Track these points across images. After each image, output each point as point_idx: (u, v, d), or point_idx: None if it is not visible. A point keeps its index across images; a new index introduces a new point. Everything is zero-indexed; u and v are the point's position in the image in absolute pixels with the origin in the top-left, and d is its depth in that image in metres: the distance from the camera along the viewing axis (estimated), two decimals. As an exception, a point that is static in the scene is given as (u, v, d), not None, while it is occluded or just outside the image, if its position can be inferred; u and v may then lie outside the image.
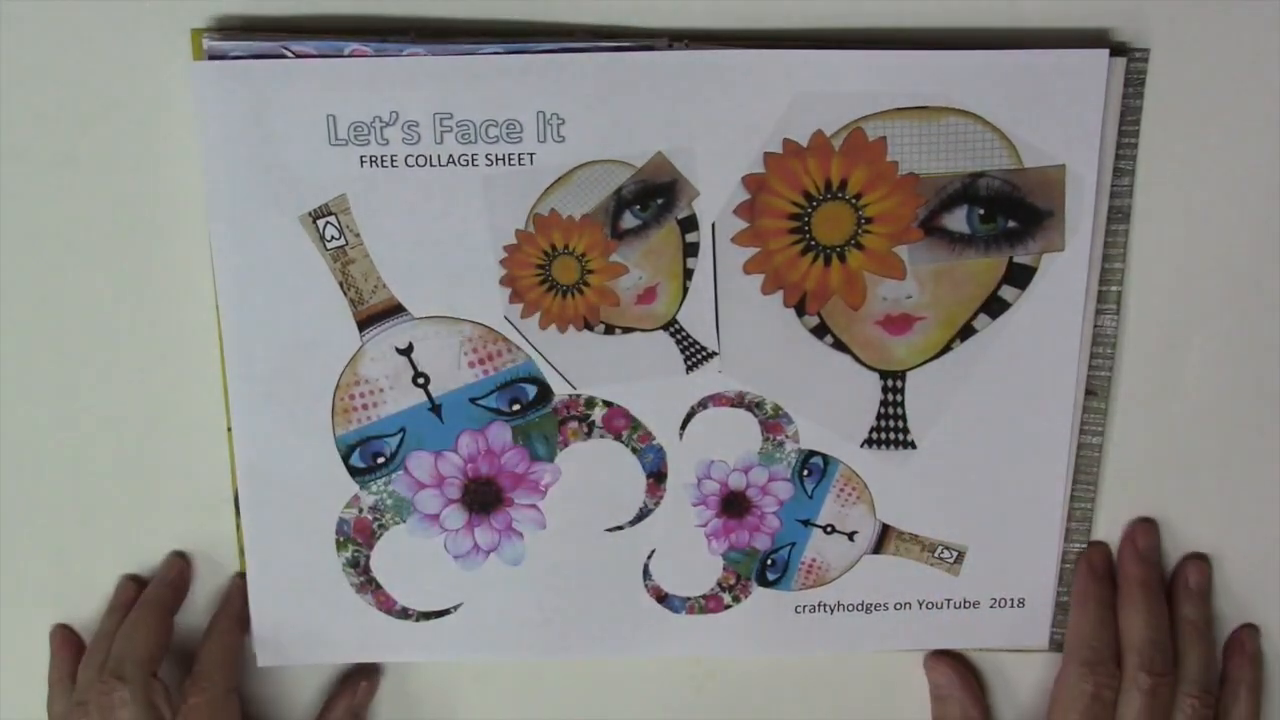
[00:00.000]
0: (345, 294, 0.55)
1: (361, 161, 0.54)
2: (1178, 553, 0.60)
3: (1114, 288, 0.57)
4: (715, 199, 0.55)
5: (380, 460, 0.58)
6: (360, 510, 0.58)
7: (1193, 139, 0.55)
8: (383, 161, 0.54)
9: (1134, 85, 0.54)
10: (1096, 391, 0.58)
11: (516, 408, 0.57)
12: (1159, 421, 0.59)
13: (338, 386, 0.56)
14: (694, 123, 0.54)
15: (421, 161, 0.54)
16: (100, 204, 0.56)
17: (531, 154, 0.54)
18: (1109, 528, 0.60)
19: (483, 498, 0.58)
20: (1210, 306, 0.57)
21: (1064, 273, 0.55)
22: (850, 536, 0.59)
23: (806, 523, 0.59)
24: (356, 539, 0.59)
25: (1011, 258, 0.55)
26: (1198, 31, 0.54)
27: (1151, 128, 0.55)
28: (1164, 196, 0.56)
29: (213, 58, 0.52)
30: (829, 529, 0.59)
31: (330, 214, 0.54)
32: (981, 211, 0.55)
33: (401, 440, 0.57)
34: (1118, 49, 0.54)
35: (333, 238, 0.55)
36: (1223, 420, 0.59)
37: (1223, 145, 0.55)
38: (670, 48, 0.53)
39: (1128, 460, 0.59)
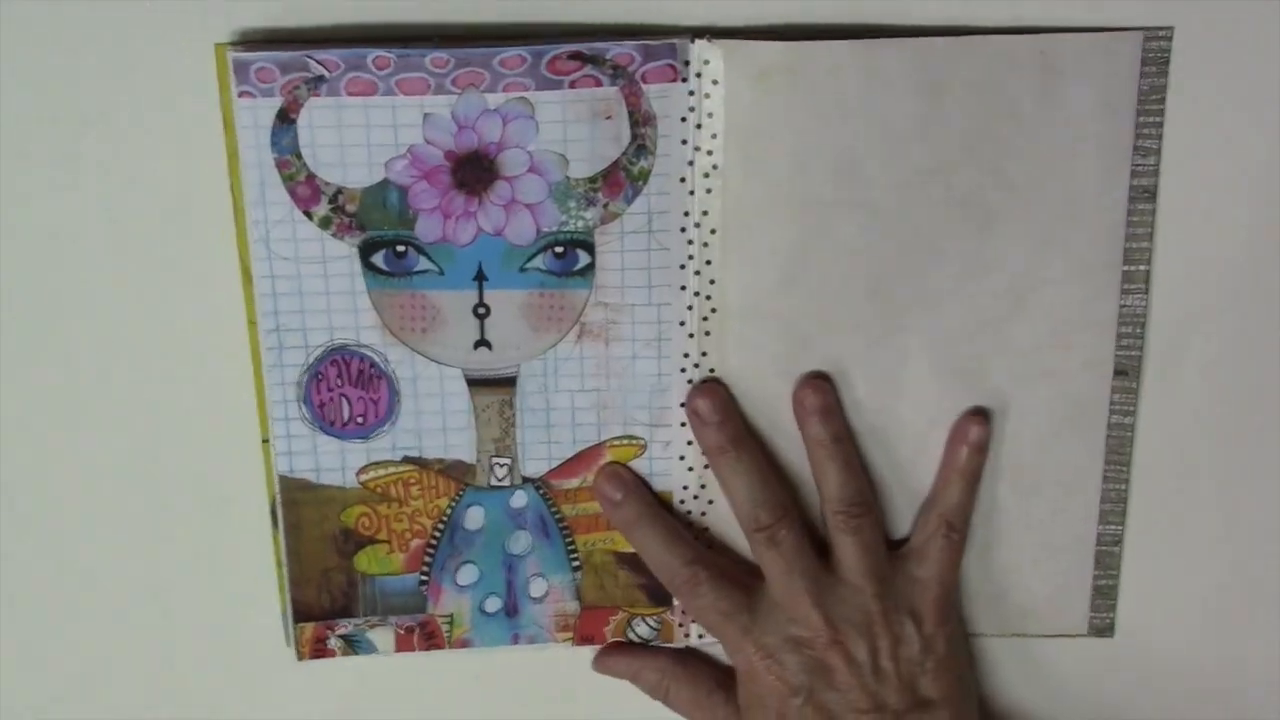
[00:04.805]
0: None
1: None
2: (1220, 532, 0.61)
3: (1141, 267, 0.57)
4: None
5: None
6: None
7: (1218, 116, 0.56)
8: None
9: (1158, 64, 0.54)
10: (1127, 371, 0.58)
11: None
12: (1188, 399, 0.59)
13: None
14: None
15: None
16: (129, 218, 0.56)
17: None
18: (1144, 509, 0.60)
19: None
20: (1236, 284, 0.58)
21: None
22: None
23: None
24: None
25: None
26: (1222, 10, 0.54)
27: (1176, 106, 0.55)
28: (1189, 175, 0.56)
29: (237, 69, 0.52)
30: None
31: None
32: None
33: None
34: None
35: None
36: (1252, 397, 0.59)
37: (1248, 122, 0.56)
38: (693, 43, 0.53)
39: (1158, 439, 0.59)
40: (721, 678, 0.60)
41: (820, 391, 0.57)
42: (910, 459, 0.58)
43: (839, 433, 0.57)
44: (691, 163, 0.55)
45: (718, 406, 0.57)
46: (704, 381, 0.57)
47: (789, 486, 0.58)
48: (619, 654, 0.61)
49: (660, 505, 0.59)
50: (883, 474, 0.59)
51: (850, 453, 0.57)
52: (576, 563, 0.60)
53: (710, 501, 0.59)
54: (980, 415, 0.58)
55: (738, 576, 0.58)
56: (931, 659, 0.57)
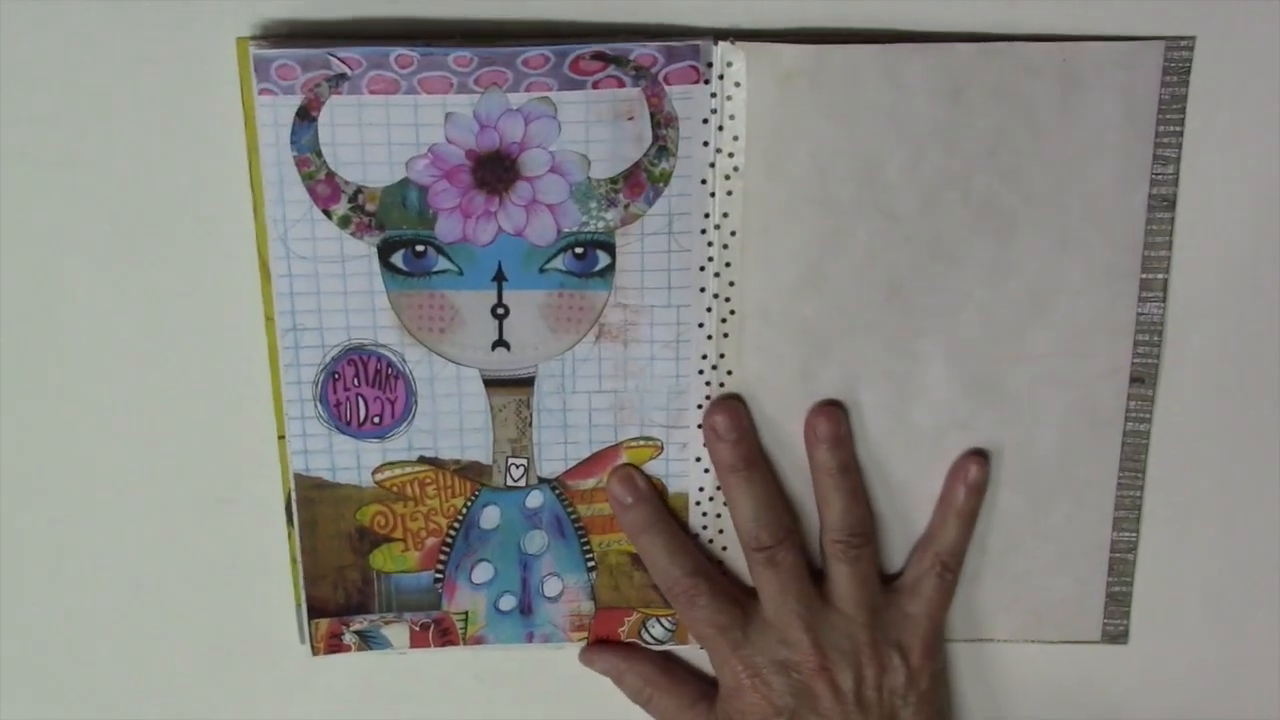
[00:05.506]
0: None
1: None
2: (1233, 539, 0.61)
3: (1159, 275, 0.57)
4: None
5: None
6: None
7: (1239, 126, 0.56)
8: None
9: (1179, 74, 0.54)
10: (1144, 379, 0.58)
11: None
12: (1205, 407, 0.59)
13: (389, 392, 0.57)
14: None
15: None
16: (148, 213, 0.56)
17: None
18: (1157, 516, 0.60)
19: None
20: (1254, 293, 0.58)
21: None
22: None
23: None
24: (409, 543, 0.59)
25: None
26: (1244, 20, 0.54)
27: (1196, 116, 0.55)
28: (1208, 184, 0.56)
29: (258, 66, 0.52)
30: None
31: (379, 219, 0.55)
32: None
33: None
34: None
35: (383, 242, 0.55)
36: (1268, 406, 0.59)
37: (1269, 132, 0.56)
38: (716, 45, 0.53)
39: (1173, 446, 0.59)
40: (704, 689, 0.61)
41: (832, 420, 0.57)
42: (917, 482, 0.59)
43: (846, 462, 0.57)
44: (713, 165, 0.55)
45: (734, 424, 0.57)
46: (723, 398, 0.57)
47: (791, 509, 0.59)
48: (606, 651, 0.61)
49: (669, 513, 0.59)
50: (883, 506, 0.59)
51: (856, 483, 0.58)
52: (592, 563, 0.60)
53: (725, 503, 0.59)
54: (980, 456, 0.58)
55: (735, 593, 0.59)
56: (914, 693, 0.57)
